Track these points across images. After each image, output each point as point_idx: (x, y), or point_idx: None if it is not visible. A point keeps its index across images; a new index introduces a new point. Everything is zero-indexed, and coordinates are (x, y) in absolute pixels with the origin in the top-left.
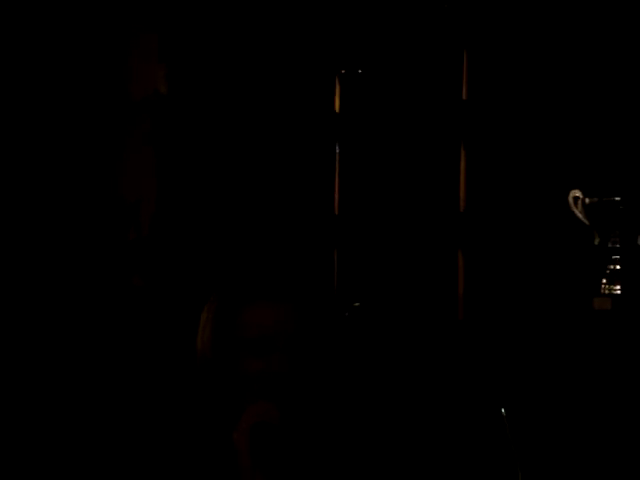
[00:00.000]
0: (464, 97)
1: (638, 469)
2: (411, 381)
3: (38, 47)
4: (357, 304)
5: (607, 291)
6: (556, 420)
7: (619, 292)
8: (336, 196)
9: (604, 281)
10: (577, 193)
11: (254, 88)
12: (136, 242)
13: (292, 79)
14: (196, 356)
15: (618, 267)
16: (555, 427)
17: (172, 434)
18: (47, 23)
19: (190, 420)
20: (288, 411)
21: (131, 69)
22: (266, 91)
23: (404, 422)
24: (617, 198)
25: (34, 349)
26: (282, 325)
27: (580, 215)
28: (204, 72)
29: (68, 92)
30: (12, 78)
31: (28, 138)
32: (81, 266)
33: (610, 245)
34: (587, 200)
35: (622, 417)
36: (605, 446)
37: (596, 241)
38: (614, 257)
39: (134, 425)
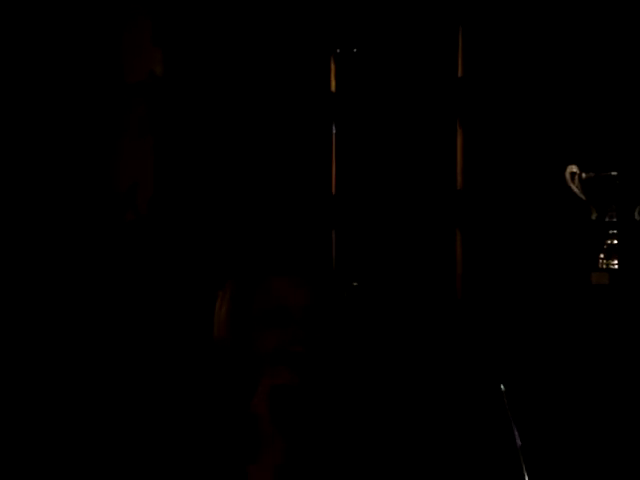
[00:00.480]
0: (460, 74)
1: (636, 442)
2: (410, 359)
3: (32, 31)
4: (355, 284)
5: (605, 266)
6: (555, 395)
7: (616, 267)
8: (333, 176)
9: (602, 256)
10: (574, 168)
11: (250, 69)
12: (134, 224)
13: (287, 59)
14: (212, 336)
15: (615, 242)
16: (554, 402)
17: (188, 409)
18: (40, 7)
19: (206, 394)
20: (305, 379)
21: (126, 53)
22: (262, 72)
23: (403, 402)
24: (614, 173)
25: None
26: (296, 297)
27: (577, 190)
28: (199, 54)
29: (63, 76)
30: (6, 64)
31: (24, 122)
32: (79, 248)
33: (607, 220)
34: (584, 175)
35: (620, 391)
36: (604, 420)
37: (593, 216)
38: (611, 232)
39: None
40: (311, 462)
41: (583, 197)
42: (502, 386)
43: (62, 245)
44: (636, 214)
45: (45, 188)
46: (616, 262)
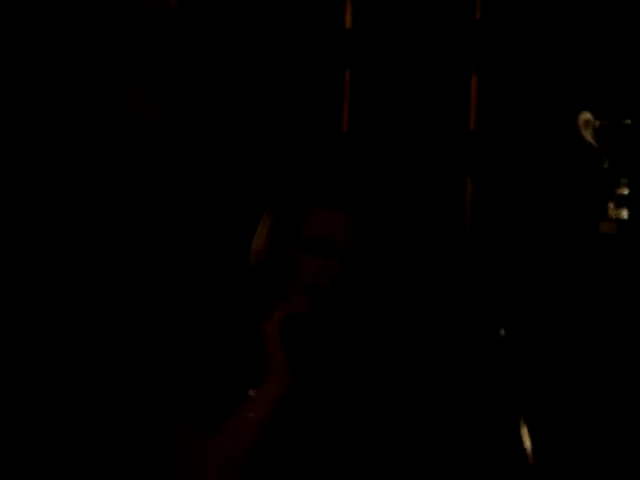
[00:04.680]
0: (478, 16)
1: (635, 392)
2: (414, 302)
3: None
4: None
5: (614, 215)
6: (560, 344)
7: (626, 217)
8: (345, 115)
9: (611, 205)
10: (588, 115)
11: (264, 5)
12: (142, 152)
13: None
14: (248, 255)
15: (626, 192)
16: (558, 351)
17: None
18: None
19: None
20: (327, 312)
21: None
22: (276, 6)
23: (406, 343)
24: (628, 121)
25: None
26: (342, 232)
27: (590, 138)
28: None
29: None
30: None
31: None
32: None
33: (619, 169)
34: (597, 123)
35: (624, 340)
36: (607, 370)
37: (605, 165)
38: (622, 181)
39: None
40: (312, 397)
41: (596, 145)
42: (502, 331)
43: (78, 177)
44: None
45: (59, 119)
46: (625, 212)
